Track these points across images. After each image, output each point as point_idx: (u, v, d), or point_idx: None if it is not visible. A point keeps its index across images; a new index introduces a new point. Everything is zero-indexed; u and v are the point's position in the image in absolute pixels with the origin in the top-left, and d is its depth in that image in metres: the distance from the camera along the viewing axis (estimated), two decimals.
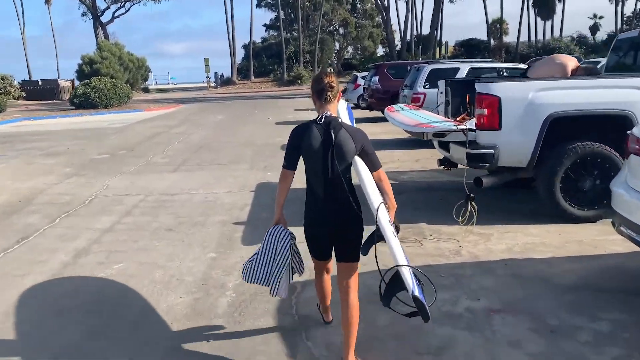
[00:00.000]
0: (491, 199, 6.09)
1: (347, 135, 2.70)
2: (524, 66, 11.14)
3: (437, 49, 44.73)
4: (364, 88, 17.14)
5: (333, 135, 2.67)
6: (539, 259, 4.38)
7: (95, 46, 47.59)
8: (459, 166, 6.26)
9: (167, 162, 10.11)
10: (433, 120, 5.88)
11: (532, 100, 5.12)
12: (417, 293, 2.48)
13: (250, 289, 3.88)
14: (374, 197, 2.72)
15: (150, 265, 4.58)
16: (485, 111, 5.18)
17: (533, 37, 52.97)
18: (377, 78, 15.61)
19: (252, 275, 2.91)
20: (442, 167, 6.38)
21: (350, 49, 61.72)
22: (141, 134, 15.21)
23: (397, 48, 48.59)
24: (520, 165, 5.32)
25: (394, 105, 7.25)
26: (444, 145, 6.12)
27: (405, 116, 6.15)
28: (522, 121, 5.13)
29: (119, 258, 4.79)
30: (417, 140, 11.55)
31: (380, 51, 58.62)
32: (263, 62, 53.45)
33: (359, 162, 2.76)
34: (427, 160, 9.22)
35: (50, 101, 37.85)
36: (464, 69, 10.40)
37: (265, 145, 11.83)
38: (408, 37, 50.48)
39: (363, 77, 21.24)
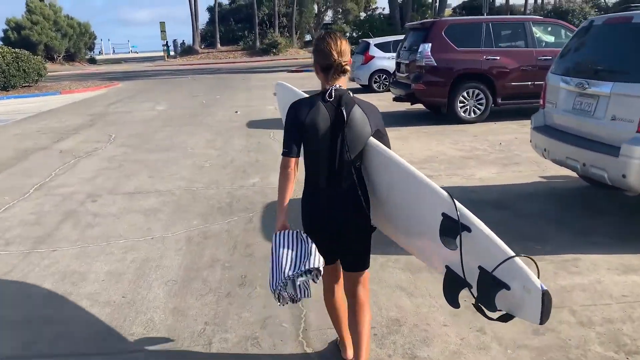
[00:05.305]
0: None
1: (361, 114, 2.15)
2: None
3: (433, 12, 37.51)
4: (397, 64, 10.19)
5: (345, 114, 2.11)
6: None
7: (25, 8, 39.32)
8: None
9: None
10: None
11: None
12: (545, 287, 1.76)
13: None
14: (427, 180, 2.07)
15: None
16: None
17: None
18: (428, 46, 8.74)
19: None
20: None
21: (329, 12, 53.89)
22: None
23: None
24: None
25: None
26: None
27: None
28: None
29: None
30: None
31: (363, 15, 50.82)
32: (231, 27, 45.41)
33: (376, 143, 2.18)
34: None
35: None
36: None
37: (228, 217, 4.94)
38: None
39: (377, 46, 14.37)
